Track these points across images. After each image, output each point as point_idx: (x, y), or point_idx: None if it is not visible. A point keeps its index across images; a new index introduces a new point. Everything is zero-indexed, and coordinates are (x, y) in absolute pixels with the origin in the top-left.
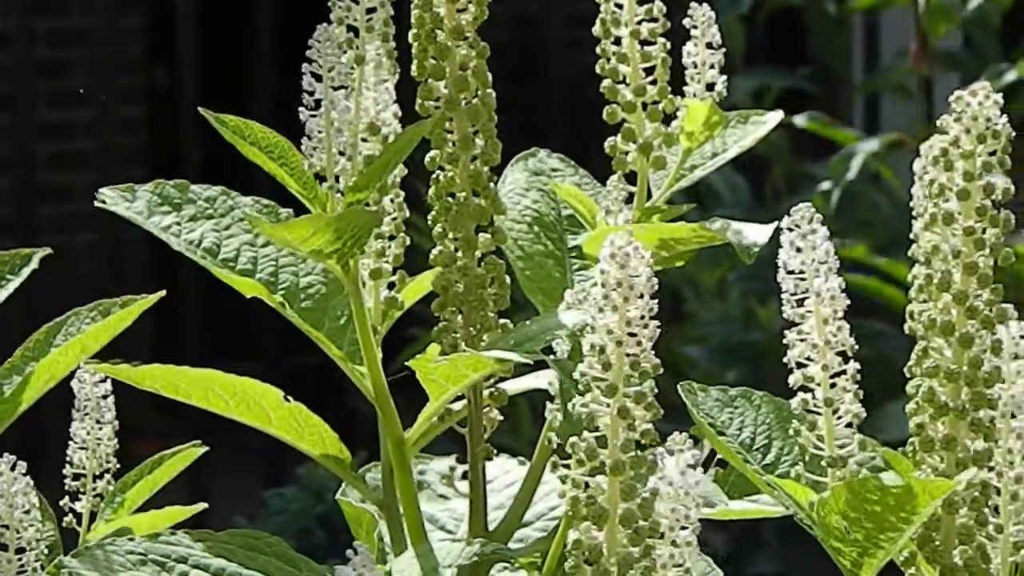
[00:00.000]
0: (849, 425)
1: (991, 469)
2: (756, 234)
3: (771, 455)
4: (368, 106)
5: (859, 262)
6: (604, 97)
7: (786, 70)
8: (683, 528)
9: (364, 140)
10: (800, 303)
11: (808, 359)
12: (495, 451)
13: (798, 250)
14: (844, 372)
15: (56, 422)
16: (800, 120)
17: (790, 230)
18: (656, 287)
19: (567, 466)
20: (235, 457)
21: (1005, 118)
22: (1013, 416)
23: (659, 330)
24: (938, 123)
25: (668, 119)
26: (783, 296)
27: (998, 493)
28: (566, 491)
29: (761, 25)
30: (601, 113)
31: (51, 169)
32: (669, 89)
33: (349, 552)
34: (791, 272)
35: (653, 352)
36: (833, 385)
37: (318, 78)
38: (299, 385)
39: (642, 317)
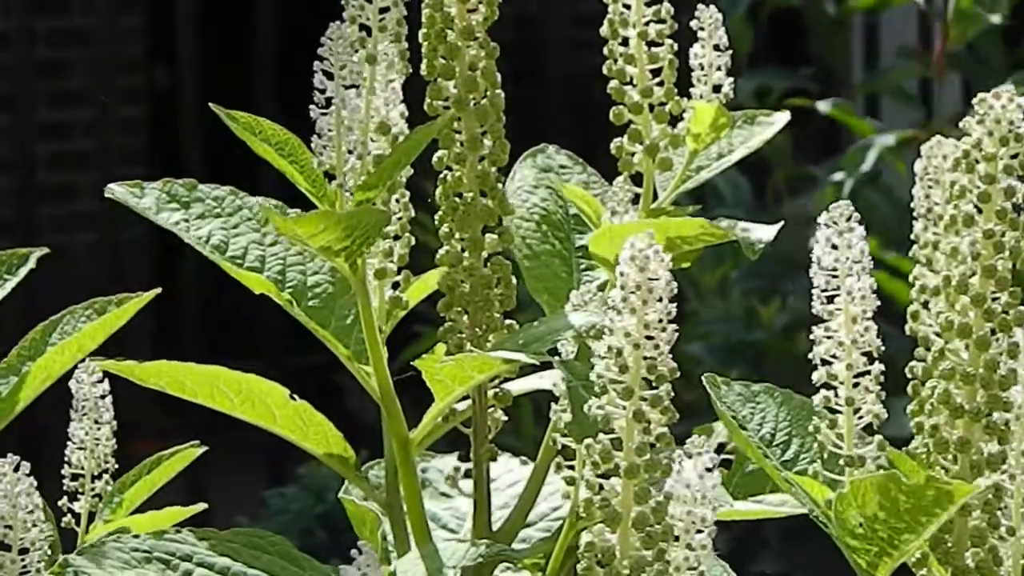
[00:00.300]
0: (869, 425)
1: (1004, 472)
2: (762, 232)
3: (790, 452)
4: (379, 105)
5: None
6: (610, 98)
7: (788, 70)
8: (699, 531)
9: (373, 140)
10: (830, 300)
11: (833, 356)
12: (499, 451)
13: (833, 247)
14: (868, 372)
15: (55, 422)
16: (824, 106)
17: (827, 226)
18: (675, 290)
19: (571, 467)
20: (236, 457)
21: None
22: None
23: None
24: (960, 124)
25: (675, 121)
26: (813, 291)
27: (1011, 496)
28: (577, 493)
29: (763, 25)
30: (602, 113)
31: (51, 169)
32: (676, 91)
33: (354, 552)
34: (824, 268)
35: (671, 355)
36: (856, 385)
37: (329, 76)
38: (299, 386)
39: (660, 320)
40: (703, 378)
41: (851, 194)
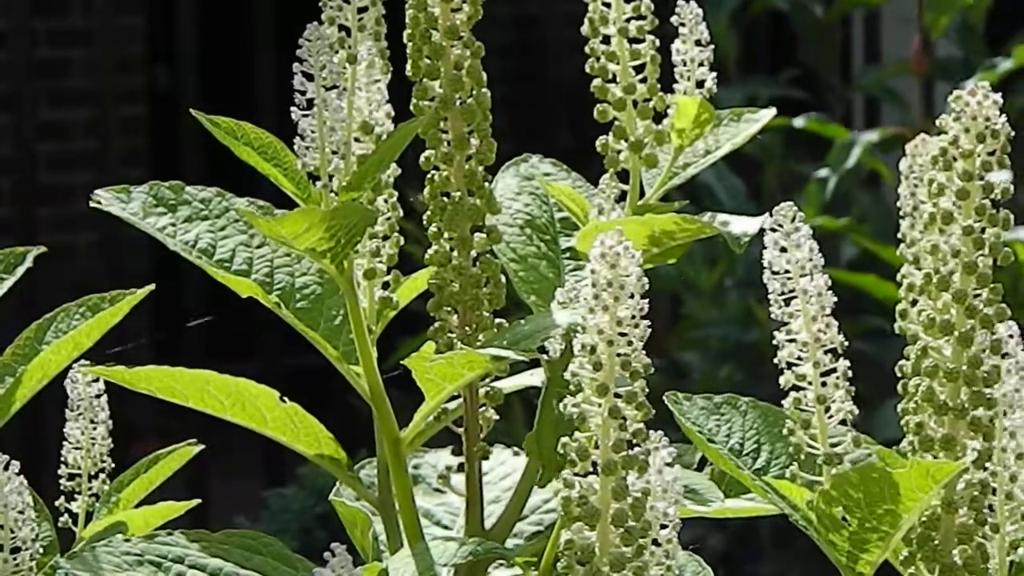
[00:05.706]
0: (843, 422)
1: (986, 469)
2: (744, 225)
3: (761, 459)
4: (361, 105)
5: (867, 252)
6: (595, 96)
7: (776, 77)
8: (663, 527)
9: (357, 140)
10: (787, 303)
11: (798, 358)
12: (491, 449)
13: (783, 250)
14: (834, 370)
15: (58, 422)
16: (799, 122)
17: (773, 230)
18: (647, 286)
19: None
20: (236, 457)
21: (1004, 117)
22: (1006, 414)
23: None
24: (937, 123)
25: (659, 117)
26: (770, 297)
27: (995, 492)
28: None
29: (753, 31)
30: None
31: (51, 169)
32: (659, 87)
33: (327, 554)
34: (776, 273)
35: (644, 352)
36: (824, 383)
37: (309, 77)
38: (299, 385)
39: (633, 317)
40: (665, 397)
41: (841, 194)
